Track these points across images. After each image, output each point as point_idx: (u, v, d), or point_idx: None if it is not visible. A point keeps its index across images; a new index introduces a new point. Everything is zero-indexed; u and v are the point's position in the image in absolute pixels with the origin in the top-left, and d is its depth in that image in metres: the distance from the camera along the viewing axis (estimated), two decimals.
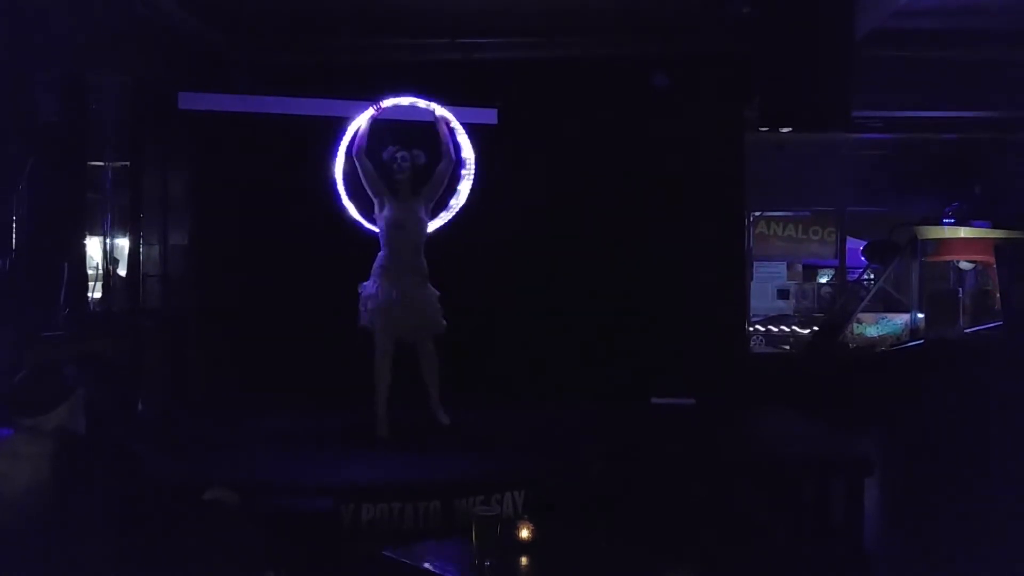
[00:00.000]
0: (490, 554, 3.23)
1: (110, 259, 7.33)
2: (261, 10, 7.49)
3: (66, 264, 6.29)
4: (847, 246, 11.94)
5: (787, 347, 10.85)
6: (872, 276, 11.39)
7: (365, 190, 6.38)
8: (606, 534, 3.67)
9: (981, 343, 8.90)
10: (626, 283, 8.01)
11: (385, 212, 6.30)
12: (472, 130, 6.83)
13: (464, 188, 6.79)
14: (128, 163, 7.38)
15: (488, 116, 7.31)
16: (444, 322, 6.30)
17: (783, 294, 12.22)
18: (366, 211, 6.53)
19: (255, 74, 7.92)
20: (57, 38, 6.07)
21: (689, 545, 4.09)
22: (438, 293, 6.31)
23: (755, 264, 11.56)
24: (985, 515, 5.54)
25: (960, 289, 11.01)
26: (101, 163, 7.19)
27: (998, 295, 9.90)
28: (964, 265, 11.09)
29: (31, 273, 5.85)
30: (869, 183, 11.19)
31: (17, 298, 5.67)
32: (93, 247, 7.07)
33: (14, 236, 5.71)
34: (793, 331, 11.11)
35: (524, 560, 3.37)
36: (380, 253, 6.28)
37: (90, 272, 6.92)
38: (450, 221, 6.80)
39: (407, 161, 6.29)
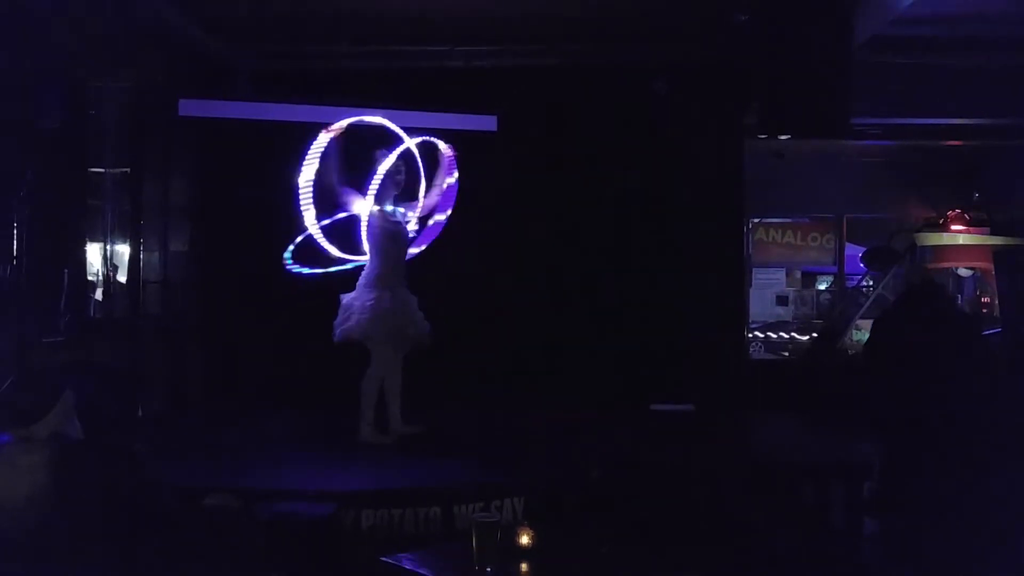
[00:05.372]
0: (490, 560, 3.23)
1: (110, 265, 7.33)
2: (261, 17, 7.50)
3: (66, 270, 6.30)
4: (846, 252, 11.94)
5: (786, 353, 10.84)
6: (871, 282, 11.39)
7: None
8: (606, 540, 3.67)
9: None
10: (625, 289, 8.02)
11: (376, 222, 6.19)
12: (472, 138, 6.82)
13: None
14: (128, 169, 7.39)
15: (488, 123, 7.32)
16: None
17: (782, 300, 12.18)
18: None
19: (255, 81, 7.94)
20: (58, 45, 6.09)
21: (688, 551, 4.10)
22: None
23: (754, 270, 11.55)
24: (984, 518, 5.54)
25: (959, 296, 10.99)
26: (101, 169, 7.19)
27: (997, 302, 9.91)
28: (963, 272, 11.08)
29: (32, 279, 5.86)
30: (868, 189, 11.20)
31: (18, 304, 5.68)
32: (93, 253, 7.07)
33: (15, 242, 5.72)
34: (792, 337, 11.10)
35: (524, 566, 3.38)
36: (372, 263, 6.19)
37: (90, 278, 6.92)
38: (450, 227, 6.78)
39: (400, 174, 6.23)
